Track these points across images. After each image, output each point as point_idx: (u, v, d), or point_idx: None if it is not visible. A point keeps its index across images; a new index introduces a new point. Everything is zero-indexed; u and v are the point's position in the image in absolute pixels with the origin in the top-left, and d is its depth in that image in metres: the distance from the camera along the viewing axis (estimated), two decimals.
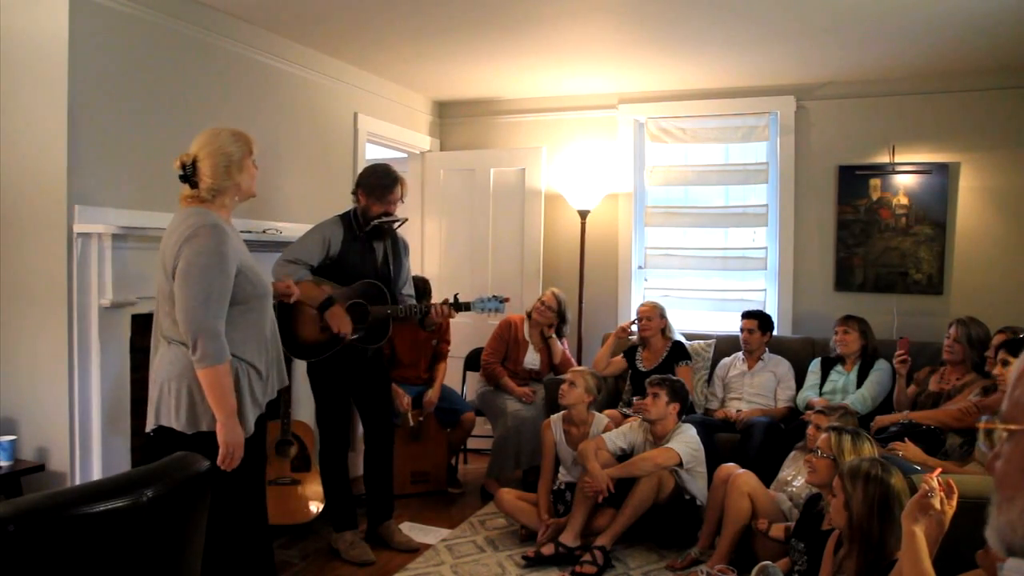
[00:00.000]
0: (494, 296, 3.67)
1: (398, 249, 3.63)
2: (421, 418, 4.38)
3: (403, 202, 3.54)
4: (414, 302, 3.62)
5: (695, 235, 5.27)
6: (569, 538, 3.45)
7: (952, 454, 3.26)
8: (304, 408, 4.01)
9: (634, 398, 4.11)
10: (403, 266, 3.66)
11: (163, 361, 2.34)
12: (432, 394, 4.42)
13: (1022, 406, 0.85)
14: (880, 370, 4.03)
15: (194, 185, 2.38)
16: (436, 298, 4.15)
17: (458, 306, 3.57)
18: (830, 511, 2.36)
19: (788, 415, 4.17)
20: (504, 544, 3.68)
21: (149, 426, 2.39)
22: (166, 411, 2.32)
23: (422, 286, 4.43)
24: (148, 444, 2.42)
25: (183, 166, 2.37)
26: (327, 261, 3.38)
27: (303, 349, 3.37)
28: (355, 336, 3.33)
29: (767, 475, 3.46)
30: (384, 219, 3.44)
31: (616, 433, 3.71)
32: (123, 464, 3.10)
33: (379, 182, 3.44)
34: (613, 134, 5.28)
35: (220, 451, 2.25)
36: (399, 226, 3.56)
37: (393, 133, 5.09)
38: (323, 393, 3.49)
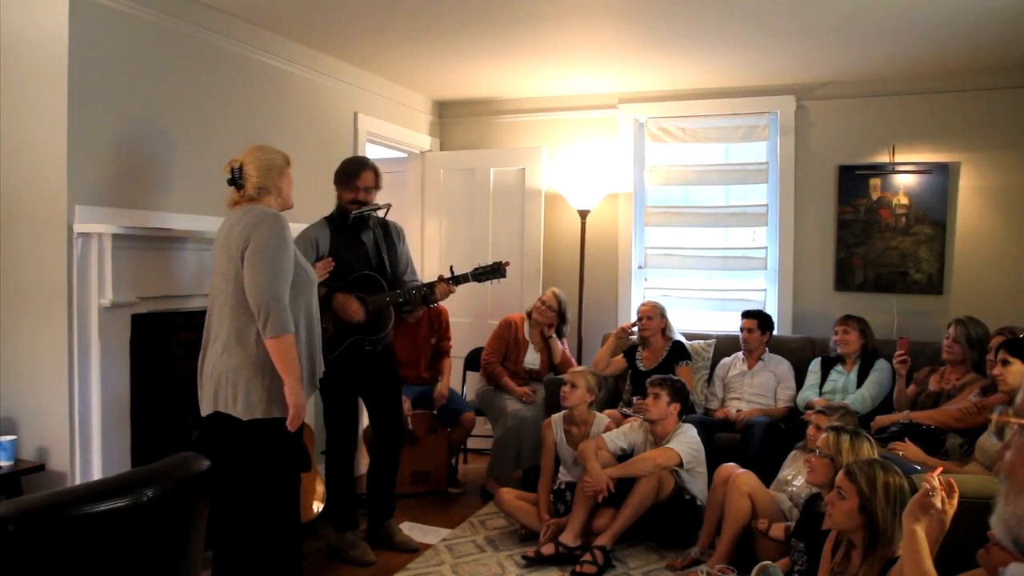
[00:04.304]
0: (492, 263, 3.62)
1: (390, 237, 3.61)
2: (435, 412, 4.40)
3: (379, 189, 3.52)
4: (419, 284, 3.59)
5: (695, 235, 5.27)
6: (569, 538, 3.45)
7: (952, 454, 3.26)
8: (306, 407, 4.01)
9: (634, 398, 4.11)
10: (399, 252, 3.64)
11: (222, 357, 2.58)
12: (442, 388, 4.45)
13: None
14: (880, 370, 4.03)
15: (240, 187, 2.68)
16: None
17: (456, 279, 3.55)
18: (831, 512, 2.35)
19: (788, 415, 4.17)
20: (504, 544, 3.68)
21: (205, 411, 2.65)
22: (224, 399, 2.58)
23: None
24: (204, 425, 2.73)
25: (232, 170, 2.68)
26: (319, 262, 3.39)
27: None
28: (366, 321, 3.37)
29: (767, 475, 3.46)
30: (364, 209, 3.44)
31: (616, 433, 3.71)
32: (123, 464, 3.10)
33: (345, 169, 3.49)
34: (613, 134, 5.28)
35: (289, 412, 2.57)
36: (385, 213, 3.55)
37: (393, 133, 5.09)
38: (332, 394, 3.48)
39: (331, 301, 3.31)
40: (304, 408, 2.62)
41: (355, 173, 3.46)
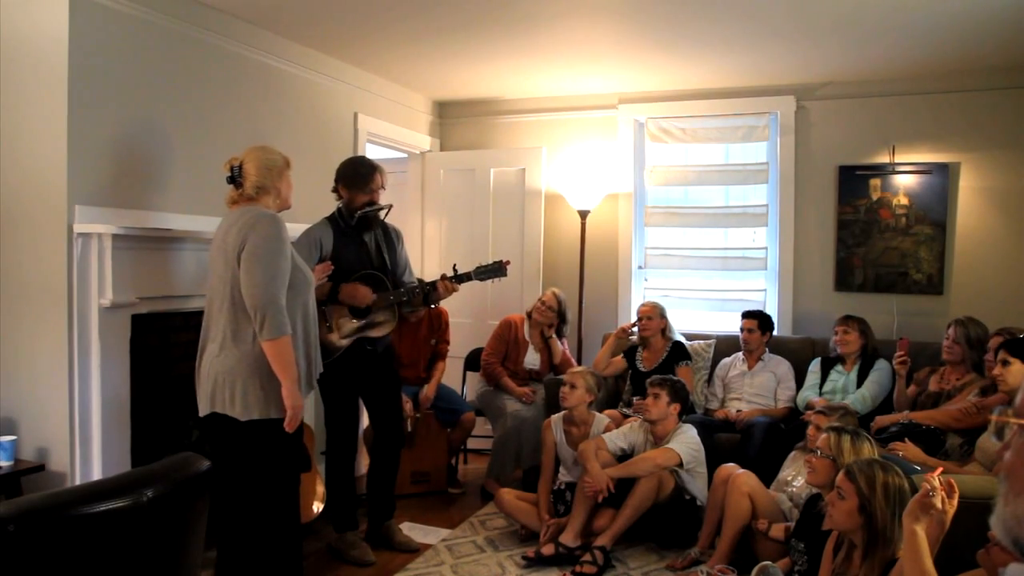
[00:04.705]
0: (493, 261, 3.64)
1: (390, 238, 3.63)
2: (418, 415, 4.37)
3: (384, 189, 3.53)
4: (421, 283, 3.61)
5: (695, 235, 5.27)
6: (569, 538, 3.45)
7: (952, 454, 3.26)
8: (304, 408, 4.00)
9: (634, 398, 4.11)
10: (399, 254, 3.65)
11: (219, 358, 2.58)
12: (428, 390, 4.41)
13: None
14: (880, 370, 4.03)
15: (239, 186, 2.67)
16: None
17: (459, 278, 3.57)
18: (831, 512, 2.35)
19: (788, 415, 4.17)
20: (504, 544, 3.68)
21: (203, 412, 2.65)
22: (221, 400, 2.58)
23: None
24: (202, 426, 2.73)
25: (231, 168, 2.68)
26: (322, 263, 3.39)
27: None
28: (369, 324, 3.37)
29: (767, 475, 3.46)
30: (368, 208, 3.44)
31: (616, 433, 3.71)
32: (123, 464, 3.10)
33: (357, 172, 3.47)
34: (613, 134, 5.28)
35: (287, 414, 2.57)
36: (386, 215, 3.56)
37: (393, 133, 5.09)
38: (332, 394, 3.48)
39: (337, 291, 3.31)
40: (301, 410, 2.61)
41: (369, 176, 3.45)
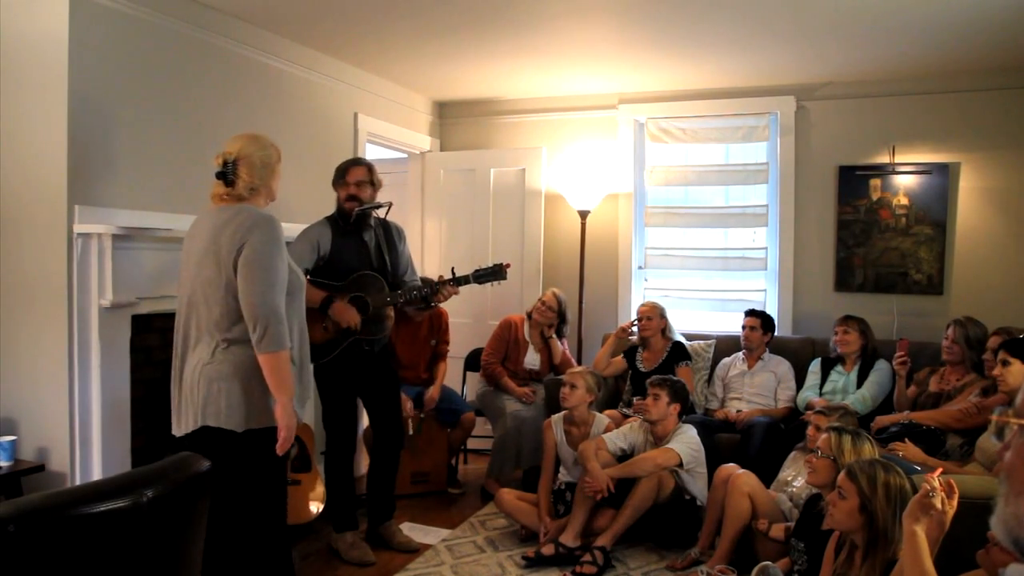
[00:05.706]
0: (493, 264, 3.62)
1: (391, 236, 3.61)
2: (422, 416, 4.37)
3: (375, 186, 3.51)
4: (420, 285, 3.59)
5: (695, 235, 5.27)
6: (569, 538, 3.45)
7: (952, 454, 3.26)
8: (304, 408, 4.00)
9: (634, 398, 4.11)
10: (400, 252, 3.64)
11: (210, 364, 2.39)
12: (432, 391, 4.41)
13: None
14: (880, 370, 4.03)
15: (230, 183, 2.47)
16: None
17: (457, 281, 3.55)
18: (832, 512, 2.35)
19: (788, 415, 4.17)
20: (504, 544, 3.68)
21: (188, 427, 2.44)
22: (214, 411, 2.39)
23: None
24: (190, 444, 2.42)
25: (224, 163, 2.47)
26: (320, 262, 3.39)
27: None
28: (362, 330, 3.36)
29: (767, 475, 3.46)
30: (365, 207, 3.44)
31: (617, 433, 3.71)
32: (123, 464, 3.10)
33: (337, 169, 3.52)
34: (613, 134, 5.28)
35: (280, 435, 2.39)
36: (386, 212, 3.55)
37: (393, 133, 5.09)
38: (331, 395, 3.48)
39: (330, 303, 3.31)
40: (295, 430, 2.46)
41: (345, 170, 3.49)
